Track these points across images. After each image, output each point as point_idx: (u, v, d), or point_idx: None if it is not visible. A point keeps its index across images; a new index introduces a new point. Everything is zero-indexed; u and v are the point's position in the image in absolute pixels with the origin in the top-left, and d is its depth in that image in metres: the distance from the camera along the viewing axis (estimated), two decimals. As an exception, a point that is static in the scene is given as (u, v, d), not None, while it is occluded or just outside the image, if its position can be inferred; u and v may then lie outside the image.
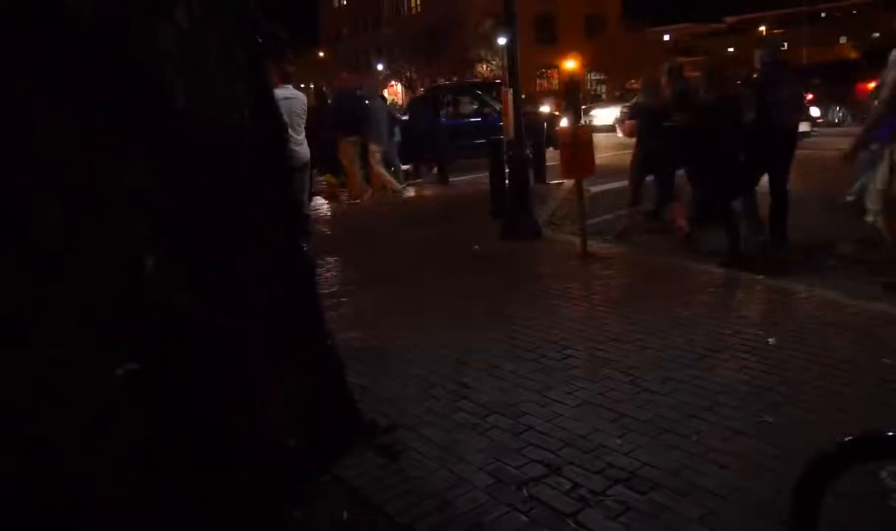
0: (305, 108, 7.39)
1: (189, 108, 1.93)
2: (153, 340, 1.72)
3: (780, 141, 6.46)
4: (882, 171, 5.48)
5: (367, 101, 11.68)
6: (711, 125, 6.43)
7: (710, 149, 6.40)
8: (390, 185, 11.60)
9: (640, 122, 7.75)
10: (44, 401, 1.52)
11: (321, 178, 12.10)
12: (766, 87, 6.45)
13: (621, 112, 19.90)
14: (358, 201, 11.50)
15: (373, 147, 11.37)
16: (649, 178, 7.84)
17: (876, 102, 5.59)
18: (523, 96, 8.15)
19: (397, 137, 12.38)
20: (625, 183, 8.44)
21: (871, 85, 7.79)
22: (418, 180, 14.22)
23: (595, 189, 10.07)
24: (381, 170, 11.52)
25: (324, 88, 16.91)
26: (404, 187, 12.10)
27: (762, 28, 51.04)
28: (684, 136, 6.79)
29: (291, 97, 6.88)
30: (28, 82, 1.56)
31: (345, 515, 2.71)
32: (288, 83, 7.13)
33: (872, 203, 5.68)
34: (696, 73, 8.64)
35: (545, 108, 17.10)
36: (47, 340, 1.52)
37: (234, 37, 2.22)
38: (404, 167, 13.73)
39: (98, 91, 1.70)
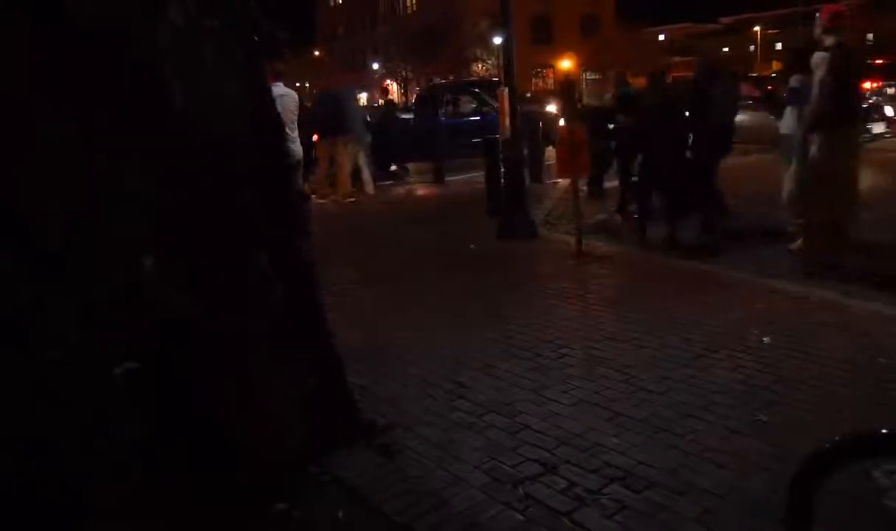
0: (297, 106, 7.41)
1: (188, 108, 1.94)
2: (152, 340, 1.73)
3: (712, 139, 7.05)
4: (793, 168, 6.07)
5: (344, 102, 12.04)
6: (653, 125, 7.00)
7: (652, 147, 7.02)
8: (356, 187, 11.84)
9: (588, 123, 8.22)
10: (43, 401, 1.52)
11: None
12: (701, 91, 7.13)
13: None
14: (351, 199, 11.53)
15: (353, 147, 11.59)
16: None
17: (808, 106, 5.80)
18: (528, 95, 8.50)
19: (367, 139, 12.53)
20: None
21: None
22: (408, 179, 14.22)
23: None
24: (362, 168, 11.66)
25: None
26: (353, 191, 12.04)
27: (757, 28, 51.16)
28: (629, 135, 7.65)
29: (284, 95, 6.90)
30: (28, 82, 1.56)
31: (341, 514, 2.72)
32: (279, 81, 7.15)
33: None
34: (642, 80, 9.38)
35: (551, 108, 17.06)
36: (47, 340, 1.53)
37: (232, 36, 2.22)
38: (392, 168, 14.12)
39: (97, 91, 1.71)
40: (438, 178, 13.42)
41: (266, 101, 2.44)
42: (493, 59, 39.50)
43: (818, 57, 5.60)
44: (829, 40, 5.66)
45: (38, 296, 1.51)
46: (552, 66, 48.86)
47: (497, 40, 19.30)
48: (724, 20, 64.37)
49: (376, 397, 3.77)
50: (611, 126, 8.74)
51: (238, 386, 2.06)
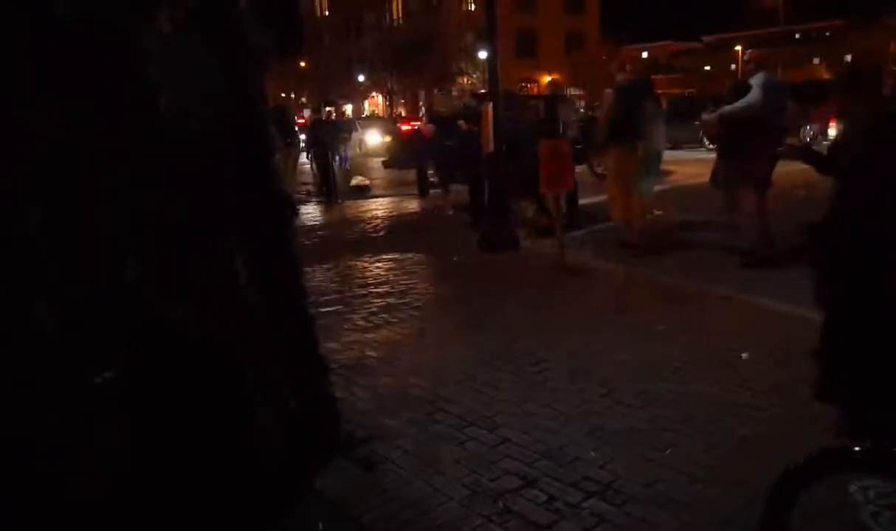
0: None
1: (174, 112, 1.93)
2: (136, 344, 1.71)
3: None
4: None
5: (288, 115, 13.52)
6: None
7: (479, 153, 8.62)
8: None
9: (435, 129, 10.63)
10: (24, 404, 1.50)
11: None
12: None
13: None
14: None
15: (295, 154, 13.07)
16: None
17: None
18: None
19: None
20: (603, 196, 8.78)
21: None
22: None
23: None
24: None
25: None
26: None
27: (738, 47, 51.83)
28: (465, 140, 9.48)
29: None
30: (11, 83, 1.55)
31: (320, 527, 2.70)
32: None
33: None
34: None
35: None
36: (28, 343, 1.51)
37: (220, 39, 2.22)
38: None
39: (82, 93, 1.70)
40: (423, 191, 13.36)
41: (254, 104, 2.43)
42: (479, 72, 39.72)
43: (608, 92, 7.98)
44: (619, 76, 8.25)
45: (17, 298, 1.49)
46: (536, 81, 49.20)
47: (482, 54, 19.44)
48: (706, 38, 65.22)
49: (355, 409, 3.75)
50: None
51: (222, 392, 2.05)
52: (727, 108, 6.83)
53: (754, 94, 6.56)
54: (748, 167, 6.45)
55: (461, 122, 9.95)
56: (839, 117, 3.64)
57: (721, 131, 7.03)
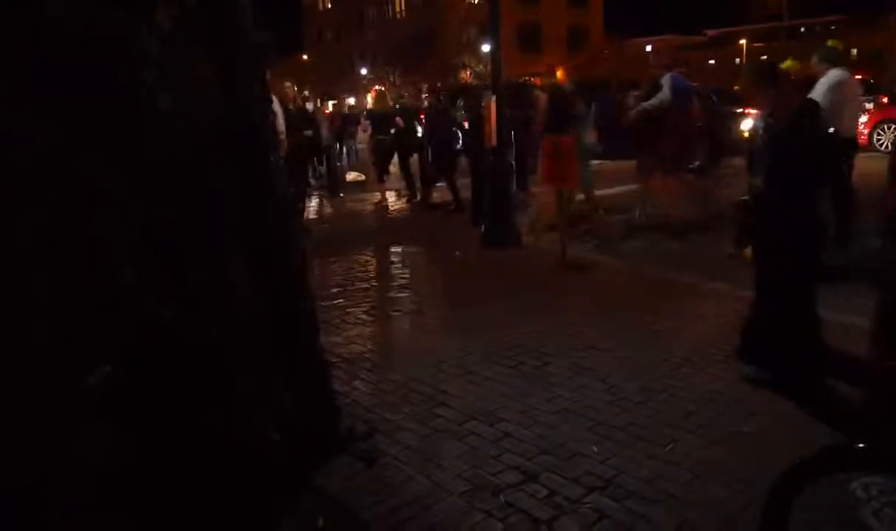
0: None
1: (172, 114, 1.92)
2: (131, 347, 1.71)
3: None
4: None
5: None
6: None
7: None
8: None
9: (372, 123, 12.05)
10: (16, 408, 1.50)
11: None
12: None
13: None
14: None
15: None
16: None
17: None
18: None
19: None
20: (606, 191, 8.84)
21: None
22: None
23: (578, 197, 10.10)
24: None
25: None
26: None
27: (742, 41, 51.63)
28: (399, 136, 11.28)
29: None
30: (6, 85, 1.54)
31: (320, 522, 2.70)
32: None
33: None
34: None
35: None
36: (21, 347, 1.51)
37: (220, 38, 2.21)
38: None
39: (79, 95, 1.69)
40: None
41: (256, 107, 2.42)
42: (482, 66, 39.60)
43: (541, 94, 9.82)
44: (555, 79, 10.28)
45: (11, 302, 1.48)
46: (539, 75, 49.08)
47: (485, 48, 19.41)
48: (710, 32, 64.97)
49: (356, 403, 3.76)
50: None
51: (219, 394, 2.04)
52: (644, 104, 7.86)
53: (664, 93, 7.65)
54: (660, 154, 7.47)
55: (398, 119, 11.42)
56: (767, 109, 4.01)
57: (638, 124, 8.06)
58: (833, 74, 6.06)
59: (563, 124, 7.76)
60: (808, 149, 3.74)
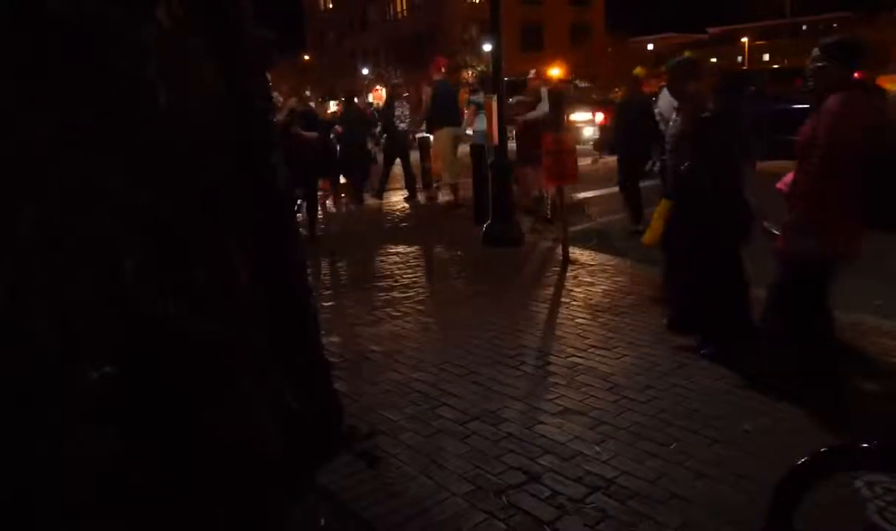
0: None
1: (172, 109, 1.91)
2: (129, 344, 1.70)
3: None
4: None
5: None
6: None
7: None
8: None
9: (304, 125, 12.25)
10: (14, 406, 1.49)
11: None
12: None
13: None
14: None
15: None
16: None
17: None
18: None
19: None
20: (606, 191, 8.86)
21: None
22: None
23: (579, 196, 10.10)
24: None
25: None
26: None
27: (744, 39, 51.59)
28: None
29: None
30: (7, 83, 1.53)
31: (322, 522, 2.69)
32: None
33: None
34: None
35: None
36: (19, 343, 1.50)
37: (220, 33, 2.20)
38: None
39: (78, 91, 1.68)
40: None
41: (257, 104, 2.41)
42: (483, 65, 39.61)
43: (427, 89, 11.06)
44: (436, 77, 10.77)
45: (8, 298, 1.48)
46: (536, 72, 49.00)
47: (487, 47, 19.40)
48: (712, 30, 64.95)
49: (358, 404, 3.75)
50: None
51: (219, 392, 2.03)
52: (528, 115, 8.91)
53: (543, 106, 8.86)
54: (538, 158, 7.84)
55: (337, 127, 11.75)
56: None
57: (521, 132, 9.09)
58: (666, 97, 7.17)
59: (446, 116, 9.65)
60: (735, 134, 4.42)
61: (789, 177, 3.78)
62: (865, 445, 1.70)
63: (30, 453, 1.51)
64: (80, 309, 1.57)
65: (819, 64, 3.51)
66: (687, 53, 7.87)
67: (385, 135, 11.67)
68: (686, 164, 4.26)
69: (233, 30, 2.27)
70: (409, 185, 11.50)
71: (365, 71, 54.38)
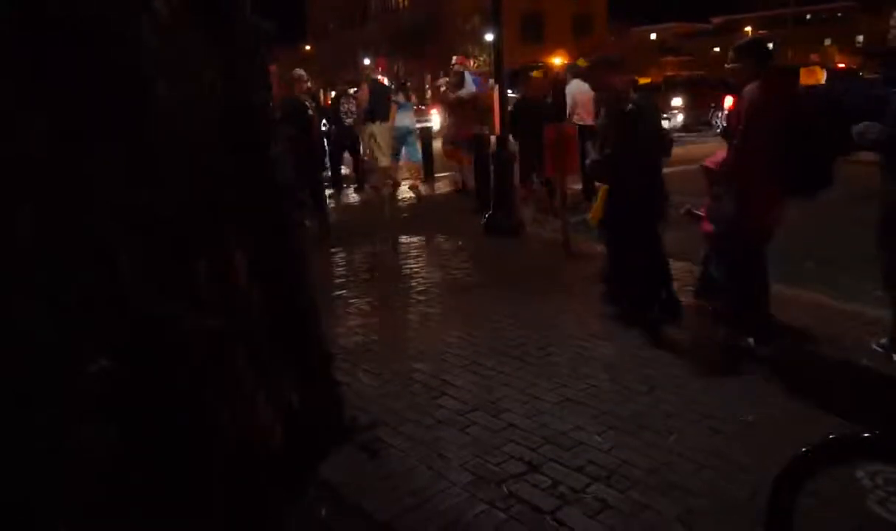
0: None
1: (170, 105, 1.90)
2: (128, 340, 1.69)
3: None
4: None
5: None
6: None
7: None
8: None
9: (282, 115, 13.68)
10: (14, 405, 1.49)
11: None
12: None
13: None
14: None
15: None
16: None
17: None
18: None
19: None
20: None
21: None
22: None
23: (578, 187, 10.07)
24: None
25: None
26: None
27: (748, 29, 51.31)
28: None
29: None
30: (7, 83, 1.52)
31: (323, 513, 2.70)
32: None
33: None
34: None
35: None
36: (18, 343, 1.49)
37: (219, 27, 2.18)
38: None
39: (76, 87, 1.67)
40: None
41: (257, 97, 2.40)
42: (485, 55, 39.48)
43: (365, 86, 12.23)
44: (374, 74, 12.35)
45: (4, 295, 1.47)
46: (543, 65, 48.85)
47: (488, 37, 19.34)
48: (715, 20, 64.62)
49: (359, 395, 3.75)
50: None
51: (220, 386, 2.03)
52: (460, 92, 9.93)
53: (468, 85, 9.96)
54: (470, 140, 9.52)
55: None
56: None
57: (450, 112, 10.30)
58: (574, 83, 9.11)
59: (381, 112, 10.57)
60: (654, 126, 4.89)
61: (719, 155, 4.36)
62: (867, 435, 1.70)
63: (30, 453, 1.50)
64: (79, 309, 1.57)
65: (735, 64, 4.10)
66: (580, 61, 9.35)
67: (333, 127, 12.45)
68: (607, 152, 4.74)
69: (231, 20, 2.26)
70: (359, 179, 12.42)
71: (366, 61, 54.23)
